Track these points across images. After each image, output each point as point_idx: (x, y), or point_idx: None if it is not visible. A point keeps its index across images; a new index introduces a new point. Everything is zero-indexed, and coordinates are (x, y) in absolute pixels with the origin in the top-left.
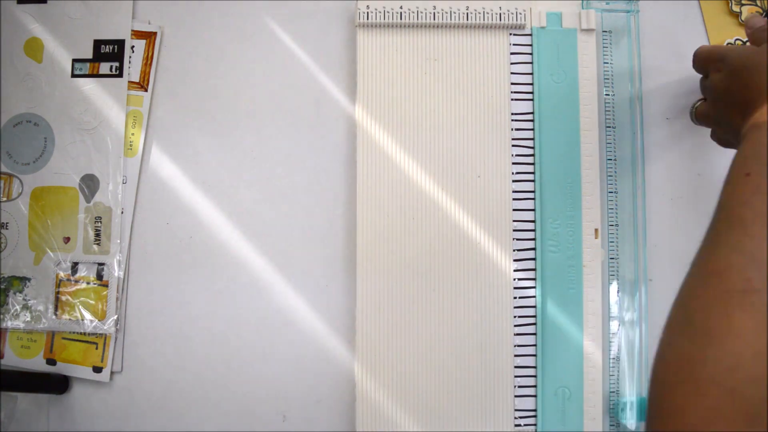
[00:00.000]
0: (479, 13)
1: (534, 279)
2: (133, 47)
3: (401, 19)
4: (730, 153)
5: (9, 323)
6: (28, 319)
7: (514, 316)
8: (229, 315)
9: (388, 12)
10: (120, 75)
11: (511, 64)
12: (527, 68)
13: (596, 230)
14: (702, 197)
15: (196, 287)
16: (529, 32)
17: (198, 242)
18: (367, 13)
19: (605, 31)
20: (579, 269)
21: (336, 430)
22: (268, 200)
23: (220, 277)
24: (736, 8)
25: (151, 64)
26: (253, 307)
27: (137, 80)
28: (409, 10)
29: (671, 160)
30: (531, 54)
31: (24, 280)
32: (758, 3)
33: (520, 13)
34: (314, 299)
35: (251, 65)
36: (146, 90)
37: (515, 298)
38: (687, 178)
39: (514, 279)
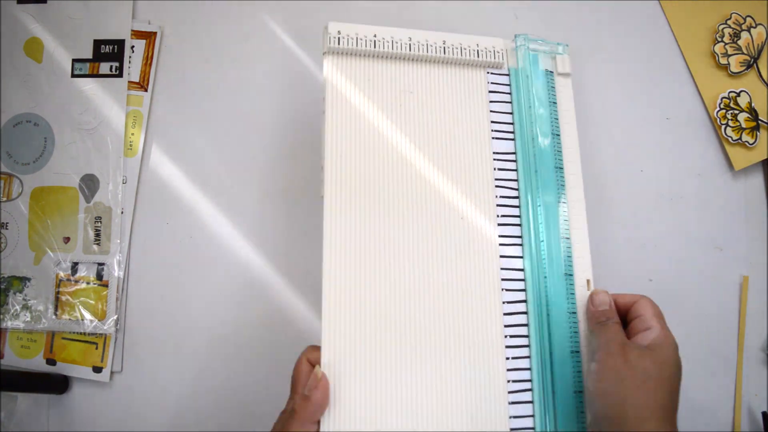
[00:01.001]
0: (456, 48)
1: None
2: (133, 47)
3: (375, 47)
4: (730, 153)
5: (9, 323)
6: (28, 319)
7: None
8: (228, 314)
9: (361, 39)
10: (120, 75)
11: (490, 102)
12: (507, 107)
13: (588, 281)
14: (702, 197)
15: (196, 287)
16: (507, 72)
17: (198, 242)
18: (338, 38)
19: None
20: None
21: None
22: (268, 200)
23: (219, 277)
24: (723, 60)
25: (151, 64)
26: (252, 306)
27: (137, 80)
28: (383, 38)
29: (671, 160)
30: (510, 93)
31: (24, 280)
32: (744, 51)
33: (498, 52)
34: (314, 299)
35: (252, 65)
36: (146, 90)
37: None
38: (687, 178)
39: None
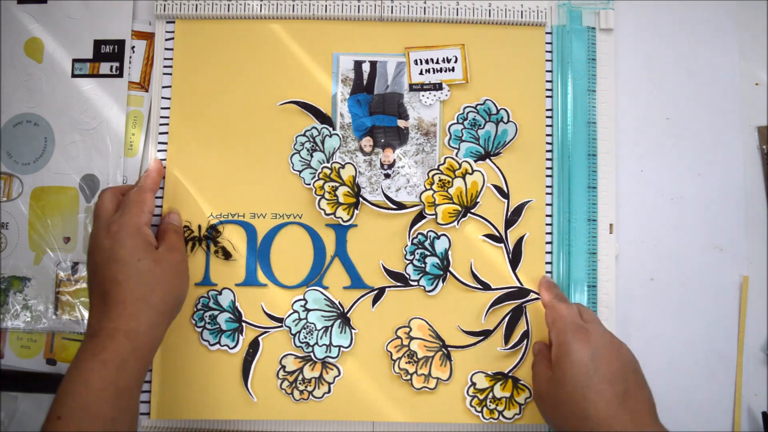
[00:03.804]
0: (501, 11)
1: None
2: (133, 47)
3: (424, 14)
4: (729, 153)
5: (9, 323)
6: (28, 319)
7: None
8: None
9: (412, 7)
10: (120, 75)
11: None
12: (548, 65)
13: (611, 225)
14: (702, 197)
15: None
16: (550, 30)
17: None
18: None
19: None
20: (594, 262)
21: None
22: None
23: None
24: None
25: (151, 65)
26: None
27: (137, 80)
28: (433, 5)
29: (671, 160)
30: (551, 52)
31: (24, 280)
32: None
33: (541, 12)
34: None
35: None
36: (147, 90)
37: None
38: (687, 178)
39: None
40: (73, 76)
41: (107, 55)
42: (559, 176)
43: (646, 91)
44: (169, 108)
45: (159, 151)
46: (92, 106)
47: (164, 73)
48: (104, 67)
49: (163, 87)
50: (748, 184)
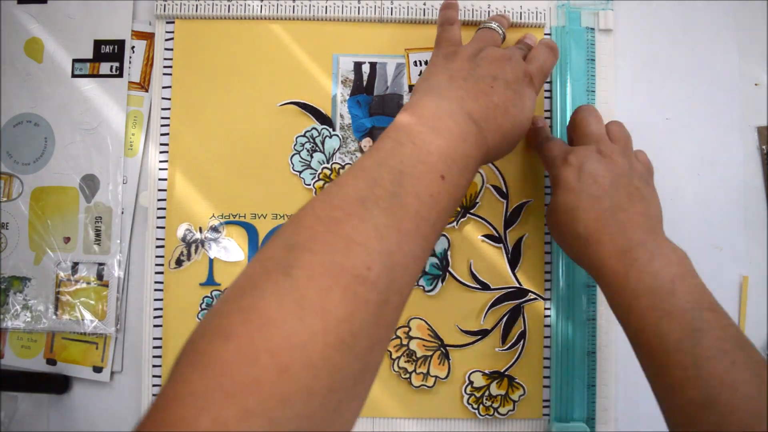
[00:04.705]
0: (500, 11)
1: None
2: (133, 47)
3: (424, 15)
4: (729, 153)
5: (9, 323)
6: (29, 319)
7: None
8: None
9: (412, 8)
10: (120, 75)
11: None
12: None
13: None
14: (702, 197)
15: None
16: (549, 32)
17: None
18: (424, 9)
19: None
20: None
21: None
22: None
23: None
24: None
25: (151, 65)
26: None
27: (138, 81)
28: (432, 6)
29: (671, 159)
30: None
31: (24, 280)
32: None
33: (540, 13)
34: None
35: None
36: (147, 90)
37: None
38: (687, 178)
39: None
40: (73, 76)
41: (107, 55)
42: None
43: (646, 91)
44: (169, 108)
45: (160, 152)
46: (92, 106)
47: (164, 73)
48: (104, 67)
49: (163, 87)
50: (748, 184)
